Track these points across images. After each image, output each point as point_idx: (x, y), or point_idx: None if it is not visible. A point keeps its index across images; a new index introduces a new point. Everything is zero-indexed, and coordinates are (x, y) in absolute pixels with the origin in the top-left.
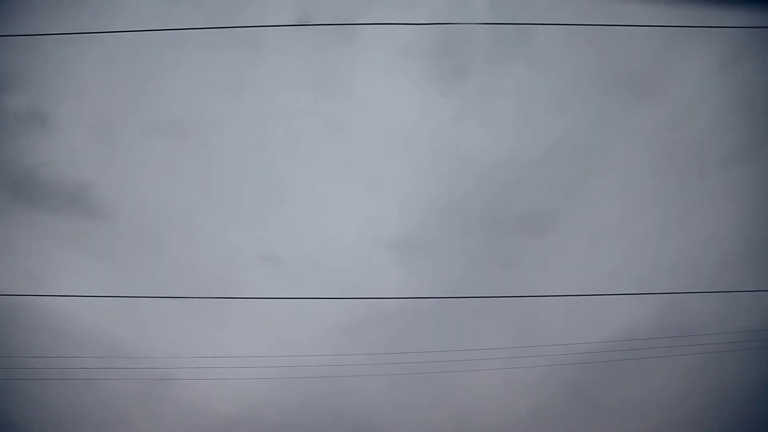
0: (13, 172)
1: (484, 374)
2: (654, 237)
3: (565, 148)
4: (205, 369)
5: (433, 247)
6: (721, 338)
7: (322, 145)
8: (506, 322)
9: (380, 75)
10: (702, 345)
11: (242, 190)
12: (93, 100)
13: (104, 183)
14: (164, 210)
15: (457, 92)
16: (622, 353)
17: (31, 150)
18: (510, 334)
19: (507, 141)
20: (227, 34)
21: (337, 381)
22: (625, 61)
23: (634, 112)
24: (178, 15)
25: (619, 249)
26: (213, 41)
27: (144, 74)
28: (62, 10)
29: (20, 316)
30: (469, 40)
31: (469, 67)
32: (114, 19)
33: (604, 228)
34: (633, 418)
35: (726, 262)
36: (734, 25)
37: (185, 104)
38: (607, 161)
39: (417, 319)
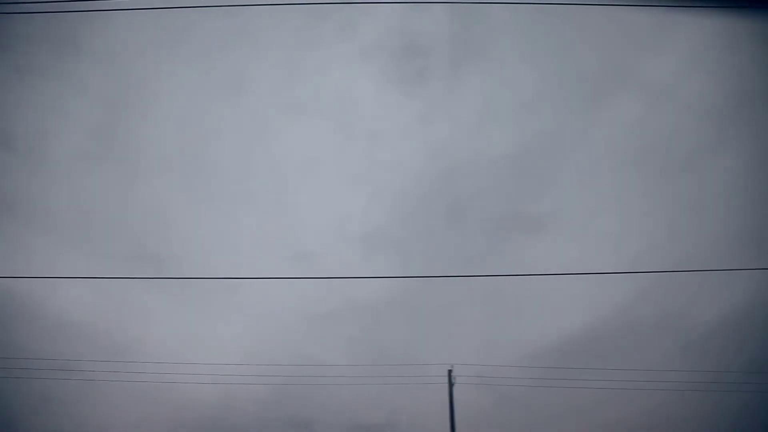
0: None
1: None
2: (617, 234)
3: (532, 145)
4: (181, 358)
5: (400, 240)
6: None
7: (296, 142)
8: (474, 318)
9: (350, 72)
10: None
11: (219, 188)
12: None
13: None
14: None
15: (423, 92)
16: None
17: None
18: (478, 331)
19: (473, 139)
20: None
21: (304, 370)
22: (589, 61)
23: (600, 110)
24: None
25: (585, 245)
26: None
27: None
28: None
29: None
30: (436, 42)
31: (435, 68)
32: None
33: (570, 224)
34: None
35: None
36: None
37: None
38: (570, 159)
39: (386, 312)
